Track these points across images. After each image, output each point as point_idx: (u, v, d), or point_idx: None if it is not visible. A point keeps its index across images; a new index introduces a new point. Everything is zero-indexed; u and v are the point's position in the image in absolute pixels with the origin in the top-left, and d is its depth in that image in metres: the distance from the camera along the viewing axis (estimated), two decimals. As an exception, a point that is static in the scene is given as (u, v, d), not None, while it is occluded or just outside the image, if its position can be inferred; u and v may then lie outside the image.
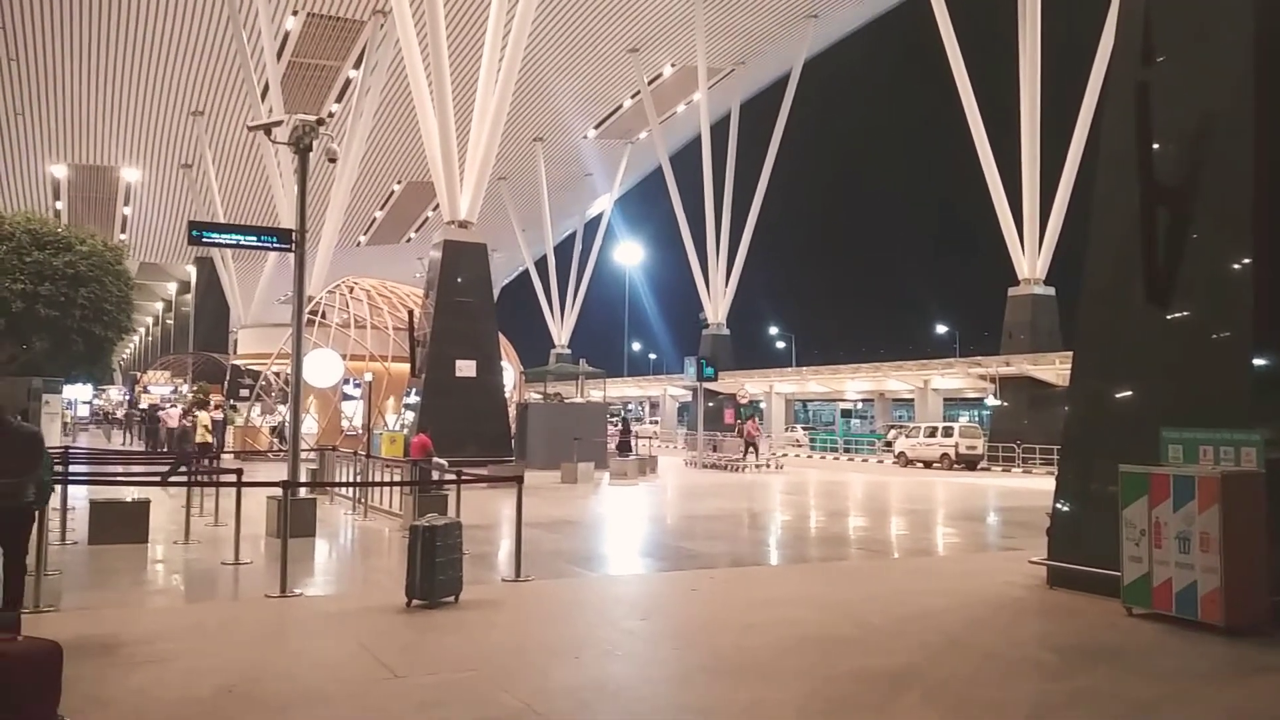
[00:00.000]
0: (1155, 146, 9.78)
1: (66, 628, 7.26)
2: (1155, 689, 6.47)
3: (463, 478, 13.63)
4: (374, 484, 17.34)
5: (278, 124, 16.08)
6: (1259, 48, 9.06)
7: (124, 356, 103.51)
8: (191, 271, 69.50)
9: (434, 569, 8.58)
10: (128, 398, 66.97)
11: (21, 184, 56.11)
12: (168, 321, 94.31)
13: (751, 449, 33.74)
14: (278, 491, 11.53)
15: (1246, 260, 8.92)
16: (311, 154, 14.72)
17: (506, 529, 14.35)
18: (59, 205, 57.86)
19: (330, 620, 8.47)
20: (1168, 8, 9.98)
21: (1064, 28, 37.63)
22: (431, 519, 9.08)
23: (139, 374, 73.25)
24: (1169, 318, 9.42)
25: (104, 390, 71.59)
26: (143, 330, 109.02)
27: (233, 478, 12.62)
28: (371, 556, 13.26)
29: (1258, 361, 8.78)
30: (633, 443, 34.60)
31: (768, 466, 33.12)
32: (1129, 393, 10.00)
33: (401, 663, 6.84)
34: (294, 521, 11.03)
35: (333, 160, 22.02)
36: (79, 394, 57.43)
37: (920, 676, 6.71)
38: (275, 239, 14.96)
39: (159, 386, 60.11)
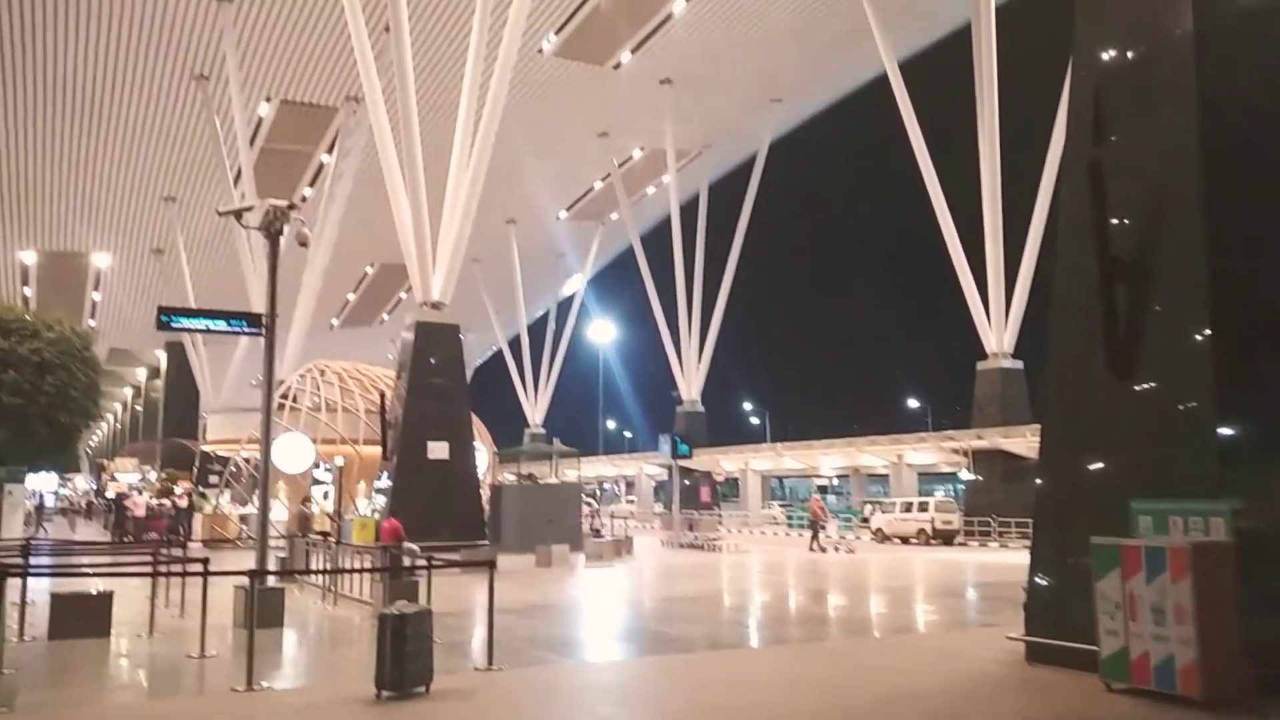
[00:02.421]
0: (1112, 221, 10.02)
1: (21, 729, 7.03)
2: (1137, 766, 6.40)
3: (433, 563, 13.41)
4: (342, 570, 17.02)
5: (249, 209, 16.19)
6: (1202, 125, 9.38)
7: (91, 444, 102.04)
8: (161, 357, 68.90)
9: (404, 658, 8.41)
10: (94, 486, 65.76)
11: (-10, 272, 55.92)
12: (137, 408, 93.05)
13: (820, 529, 30.97)
14: (245, 581, 11.30)
15: (1205, 331, 9.10)
16: (282, 238, 14.78)
17: (479, 615, 14.05)
18: (27, 291, 57.49)
19: (297, 714, 8.24)
20: (1115, 88, 10.34)
21: (1021, 105, 38.71)
22: (401, 606, 8.92)
23: (106, 461, 72.07)
24: (1133, 389, 9.55)
25: (70, 479, 70.30)
26: (111, 417, 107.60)
27: (199, 567, 12.35)
28: (341, 646, 12.96)
29: (1221, 431, 8.89)
30: (598, 523, 33.92)
31: (836, 550, 29.92)
32: (1098, 465, 10.07)
33: (369, 758, 6.65)
34: (261, 611, 10.79)
35: (304, 244, 22.04)
36: (44, 483, 56.35)
37: (900, 759, 6.60)
38: (245, 323, 14.92)
39: (126, 474, 59.08)
